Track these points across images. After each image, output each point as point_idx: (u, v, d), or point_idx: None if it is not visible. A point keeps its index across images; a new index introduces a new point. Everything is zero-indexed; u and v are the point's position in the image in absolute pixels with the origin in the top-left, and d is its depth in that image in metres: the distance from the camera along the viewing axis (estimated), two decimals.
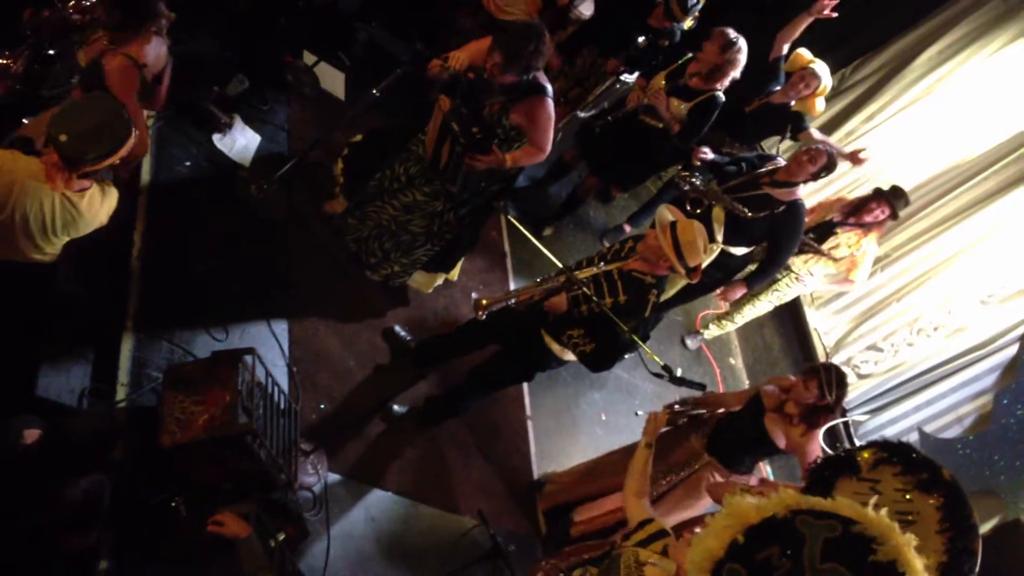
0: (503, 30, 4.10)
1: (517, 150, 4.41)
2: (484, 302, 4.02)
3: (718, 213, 5.35)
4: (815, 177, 5.14)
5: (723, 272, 5.71)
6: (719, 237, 5.39)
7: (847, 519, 1.22)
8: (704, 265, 4.02)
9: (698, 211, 5.30)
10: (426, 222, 4.66)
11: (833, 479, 2.39)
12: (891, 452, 2.35)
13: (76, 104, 3.21)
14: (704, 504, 4.38)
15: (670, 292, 5.64)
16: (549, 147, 4.48)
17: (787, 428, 4.09)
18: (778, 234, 5.36)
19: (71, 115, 3.04)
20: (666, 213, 4.02)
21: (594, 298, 3.93)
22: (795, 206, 5.29)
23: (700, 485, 4.34)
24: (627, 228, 7.00)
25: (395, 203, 4.67)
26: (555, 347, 4.32)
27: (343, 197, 4.98)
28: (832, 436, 6.55)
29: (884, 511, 2.21)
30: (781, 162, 5.38)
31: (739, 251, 5.57)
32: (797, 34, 5.72)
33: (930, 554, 2.15)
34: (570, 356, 4.35)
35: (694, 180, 5.39)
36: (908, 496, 2.21)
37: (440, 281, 5.22)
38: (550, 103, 4.39)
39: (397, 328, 5.07)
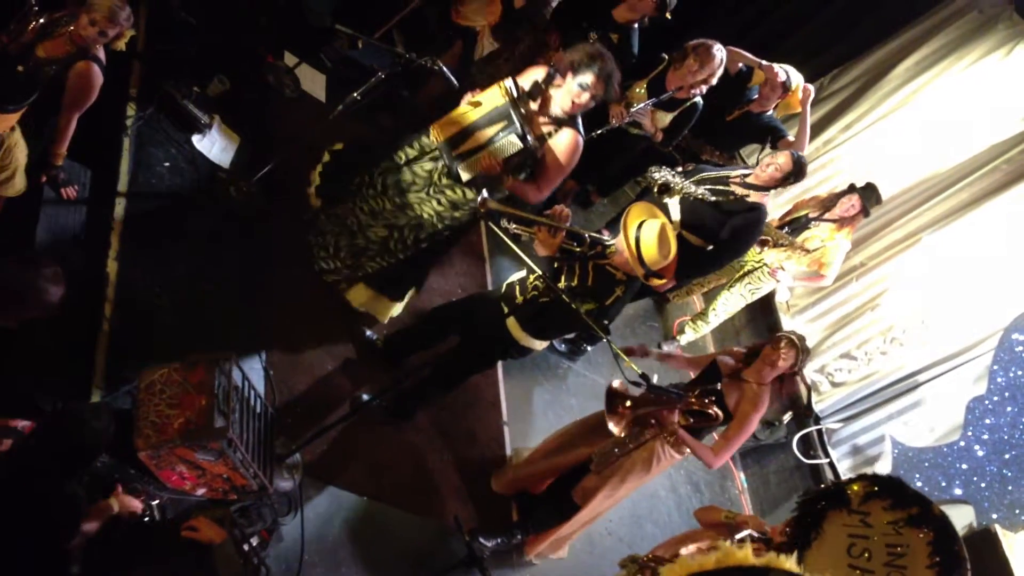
0: (597, 55, 4.05)
1: (520, 179, 4.41)
2: (491, 204, 4.01)
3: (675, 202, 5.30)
4: (783, 183, 5.17)
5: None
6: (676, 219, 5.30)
7: None
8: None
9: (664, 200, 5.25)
10: (386, 232, 4.62)
11: (824, 511, 2.43)
12: (881, 487, 2.39)
13: None
14: (654, 474, 4.56)
15: None
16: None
17: (739, 394, 4.39)
18: (728, 232, 5.24)
19: None
20: (631, 219, 4.04)
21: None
22: (755, 208, 5.20)
23: (650, 456, 4.46)
24: (605, 233, 6.98)
25: (364, 207, 4.63)
26: (517, 333, 4.33)
27: (317, 197, 4.95)
28: (806, 444, 6.62)
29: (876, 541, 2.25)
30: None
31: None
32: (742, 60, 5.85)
33: None
34: (533, 344, 4.37)
35: (661, 175, 5.25)
36: (899, 531, 2.25)
37: (395, 311, 5.11)
38: (582, 144, 4.35)
39: (363, 329, 5.04)
